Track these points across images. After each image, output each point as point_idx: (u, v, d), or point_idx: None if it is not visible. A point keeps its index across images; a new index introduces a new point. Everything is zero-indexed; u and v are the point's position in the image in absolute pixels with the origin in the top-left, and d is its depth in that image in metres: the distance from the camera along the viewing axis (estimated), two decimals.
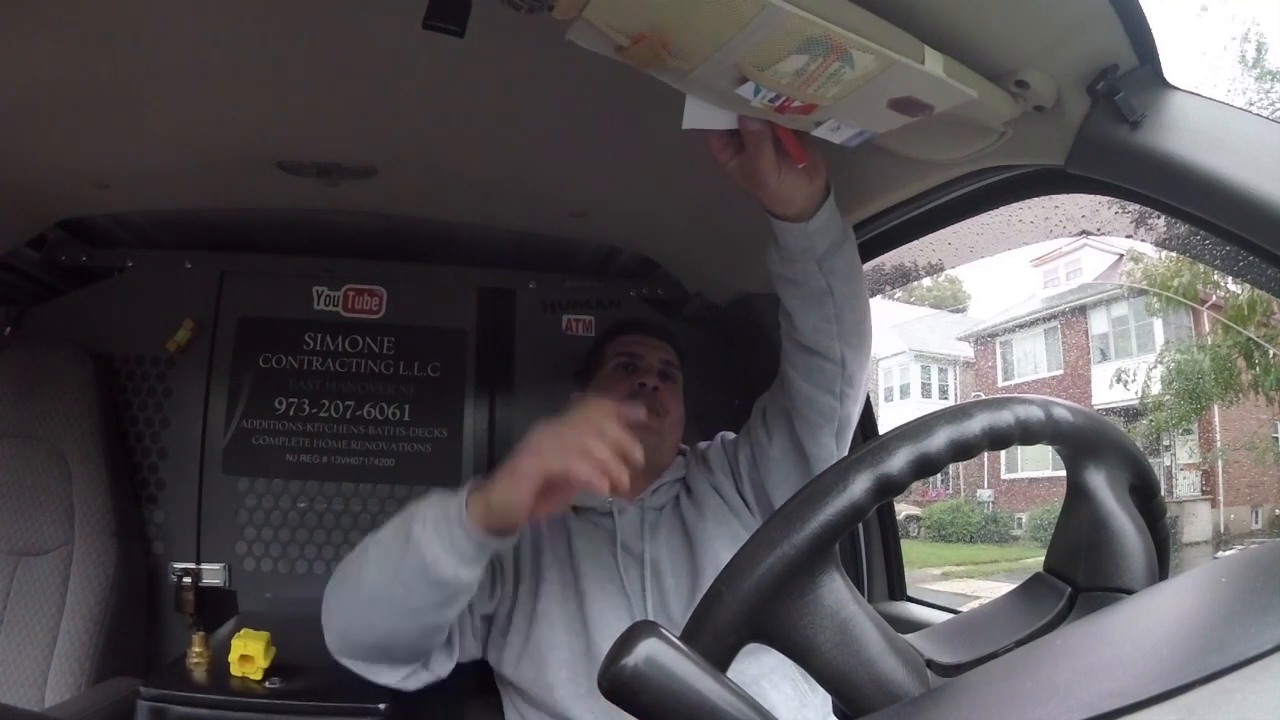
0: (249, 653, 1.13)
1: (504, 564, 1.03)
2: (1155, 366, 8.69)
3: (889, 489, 0.42)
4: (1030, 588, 0.51)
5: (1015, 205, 0.92)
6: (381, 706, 1.12)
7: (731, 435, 1.16)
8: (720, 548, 1.00)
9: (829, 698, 0.99)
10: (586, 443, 0.75)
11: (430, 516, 0.80)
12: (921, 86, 0.64)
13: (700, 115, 0.73)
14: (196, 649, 1.20)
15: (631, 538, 1.04)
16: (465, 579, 0.80)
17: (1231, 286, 7.06)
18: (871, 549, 1.50)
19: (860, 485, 0.42)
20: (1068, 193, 0.82)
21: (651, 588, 1.00)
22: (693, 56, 0.61)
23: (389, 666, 0.92)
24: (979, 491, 11.55)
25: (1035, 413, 0.45)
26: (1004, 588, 0.54)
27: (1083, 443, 0.49)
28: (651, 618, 0.98)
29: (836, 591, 0.43)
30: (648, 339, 1.17)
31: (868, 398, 1.38)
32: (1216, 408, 8.46)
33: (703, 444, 1.17)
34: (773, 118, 0.72)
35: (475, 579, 0.81)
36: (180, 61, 0.91)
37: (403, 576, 0.80)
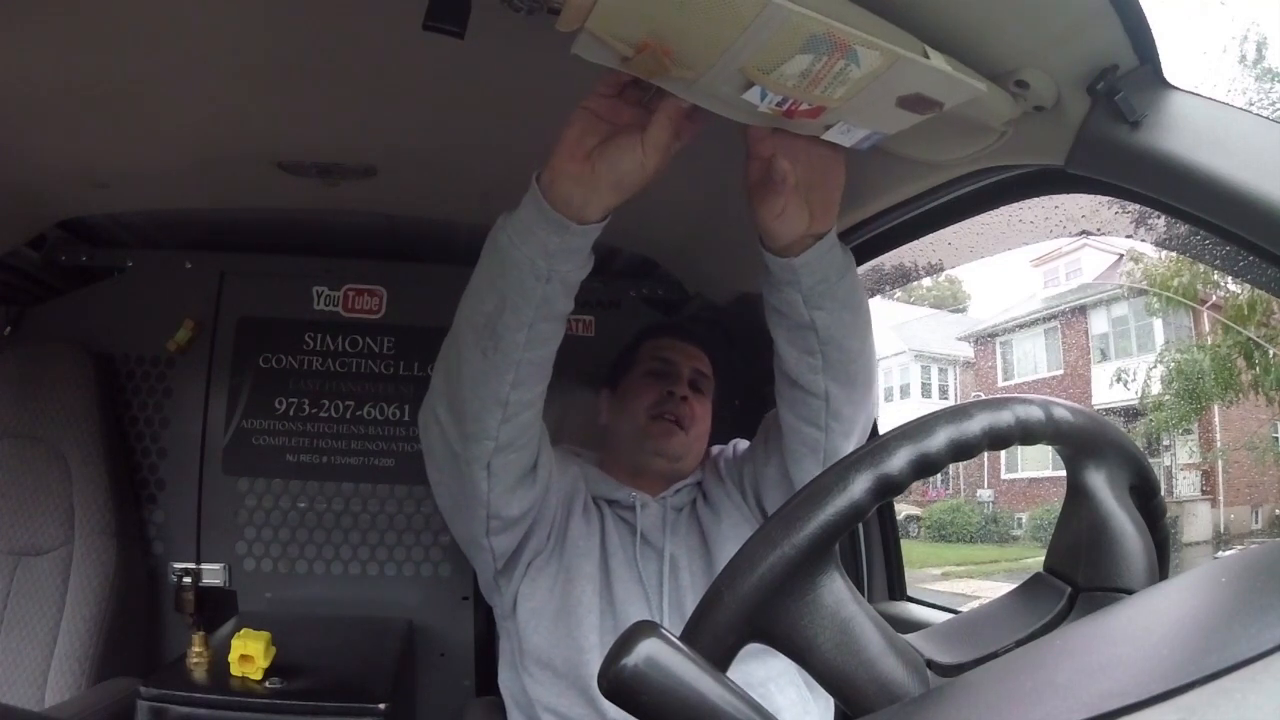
0: (249, 653, 1.13)
1: (548, 515, 1.01)
2: (1155, 366, 8.68)
3: (889, 489, 0.42)
4: (1030, 588, 0.51)
5: (1015, 205, 0.92)
6: (381, 706, 1.12)
7: (745, 444, 1.14)
8: (735, 550, 1.00)
9: (830, 704, 0.99)
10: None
11: (509, 222, 0.79)
12: (930, 82, 0.64)
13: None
14: (197, 649, 1.20)
15: (653, 532, 1.04)
16: (553, 248, 0.77)
17: (1231, 286, 7.06)
18: (871, 549, 1.50)
19: (860, 485, 0.42)
20: (1068, 193, 0.82)
21: (669, 583, 1.00)
22: (697, 63, 0.61)
23: (476, 422, 0.85)
24: (979, 491, 11.53)
25: (1035, 413, 0.45)
26: (1004, 588, 0.54)
27: (1083, 443, 0.49)
28: (667, 611, 0.98)
29: (836, 591, 0.43)
30: (684, 345, 1.16)
31: None
32: (1216, 408, 8.46)
33: (716, 448, 1.17)
34: (781, 123, 0.71)
35: (567, 259, 0.78)
36: (180, 61, 0.91)
37: (496, 270, 0.80)
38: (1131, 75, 0.66)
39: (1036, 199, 0.88)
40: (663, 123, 0.71)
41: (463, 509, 0.93)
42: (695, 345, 1.17)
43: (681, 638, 0.40)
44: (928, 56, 0.62)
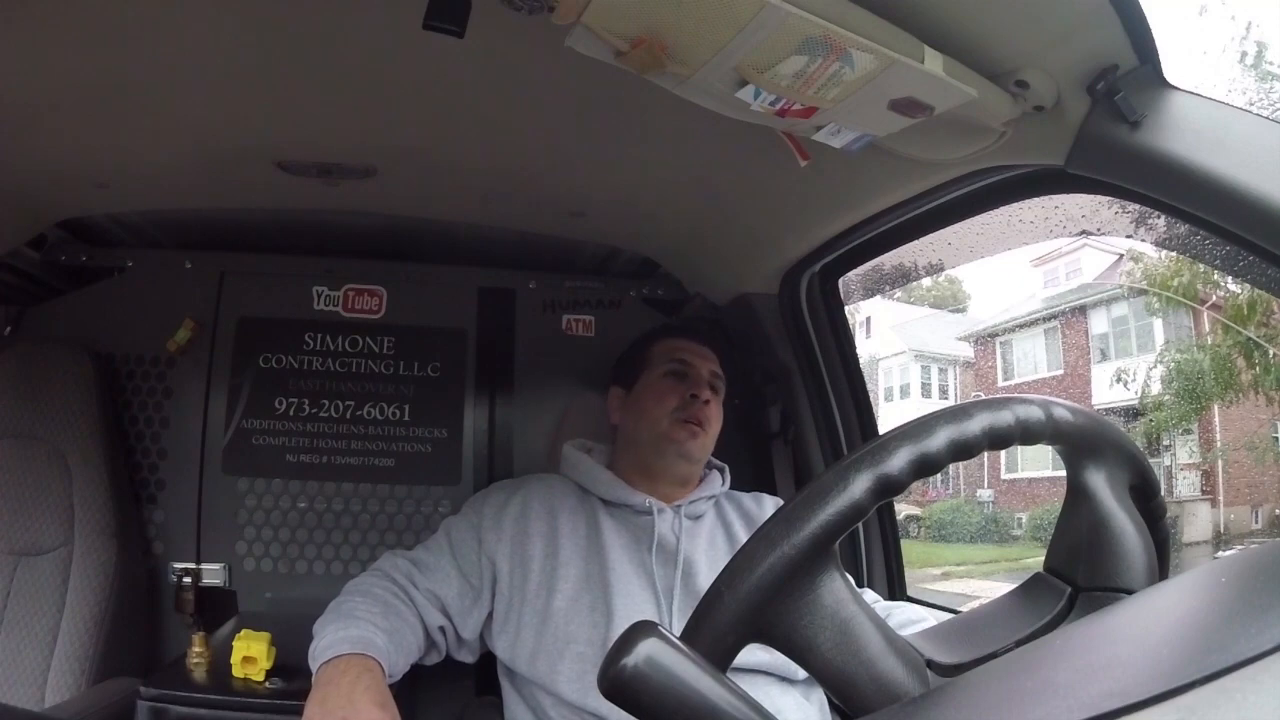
0: (252, 654, 1.13)
1: (497, 569, 1.03)
2: (1155, 366, 8.68)
3: (889, 489, 0.42)
4: (1030, 588, 0.51)
5: (1015, 205, 0.92)
6: None
7: (771, 502, 1.18)
8: None
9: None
10: None
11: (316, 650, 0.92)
12: (921, 87, 0.64)
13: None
14: (197, 649, 1.20)
15: (669, 536, 1.04)
16: None
17: (1231, 286, 7.06)
18: (871, 549, 1.49)
19: (860, 485, 0.42)
20: (1068, 193, 0.82)
21: (681, 587, 1.00)
22: (692, 60, 0.61)
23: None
24: (979, 491, 11.52)
25: (1035, 413, 0.45)
26: (1004, 588, 0.54)
27: (1083, 443, 0.49)
28: (678, 616, 0.98)
29: (836, 591, 0.43)
30: (699, 347, 1.17)
31: (868, 398, 1.39)
32: (1216, 408, 8.45)
33: (747, 494, 1.18)
34: (773, 122, 0.71)
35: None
36: (180, 61, 0.91)
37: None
38: (1131, 75, 0.66)
39: (1036, 199, 0.88)
40: None
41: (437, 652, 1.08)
42: (707, 346, 1.19)
43: (681, 638, 0.40)
44: (924, 58, 0.62)
